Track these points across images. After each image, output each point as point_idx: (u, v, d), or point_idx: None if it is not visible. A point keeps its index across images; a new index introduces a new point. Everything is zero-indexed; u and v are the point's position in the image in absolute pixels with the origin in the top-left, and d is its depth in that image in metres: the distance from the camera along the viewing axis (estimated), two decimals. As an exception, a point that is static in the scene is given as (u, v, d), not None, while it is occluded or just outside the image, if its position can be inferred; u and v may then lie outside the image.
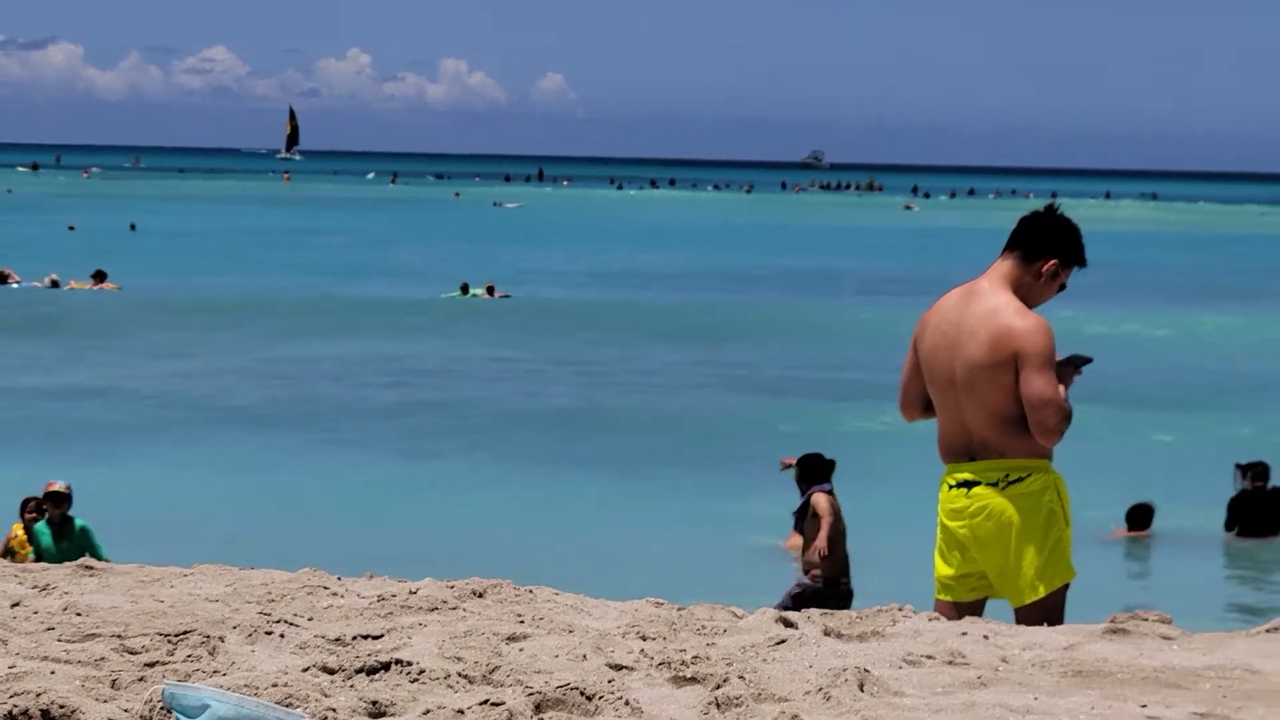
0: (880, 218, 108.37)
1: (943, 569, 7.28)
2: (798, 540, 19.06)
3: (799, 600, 14.33)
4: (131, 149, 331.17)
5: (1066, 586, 7.17)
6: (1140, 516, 19.75)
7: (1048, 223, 7.28)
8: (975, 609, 7.21)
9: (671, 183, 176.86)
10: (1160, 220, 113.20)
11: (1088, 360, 7.26)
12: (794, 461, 14.77)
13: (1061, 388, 7.07)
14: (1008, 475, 7.07)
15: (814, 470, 14.60)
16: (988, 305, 7.11)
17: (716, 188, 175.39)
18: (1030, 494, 7.07)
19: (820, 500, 14.44)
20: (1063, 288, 7.31)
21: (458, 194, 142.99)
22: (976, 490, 7.11)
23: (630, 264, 61.44)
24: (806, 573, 14.60)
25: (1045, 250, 7.22)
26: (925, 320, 7.32)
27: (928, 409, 7.36)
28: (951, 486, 7.19)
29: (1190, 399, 29.96)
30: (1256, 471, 19.82)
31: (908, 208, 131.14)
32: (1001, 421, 7.05)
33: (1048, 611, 7.01)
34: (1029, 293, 7.19)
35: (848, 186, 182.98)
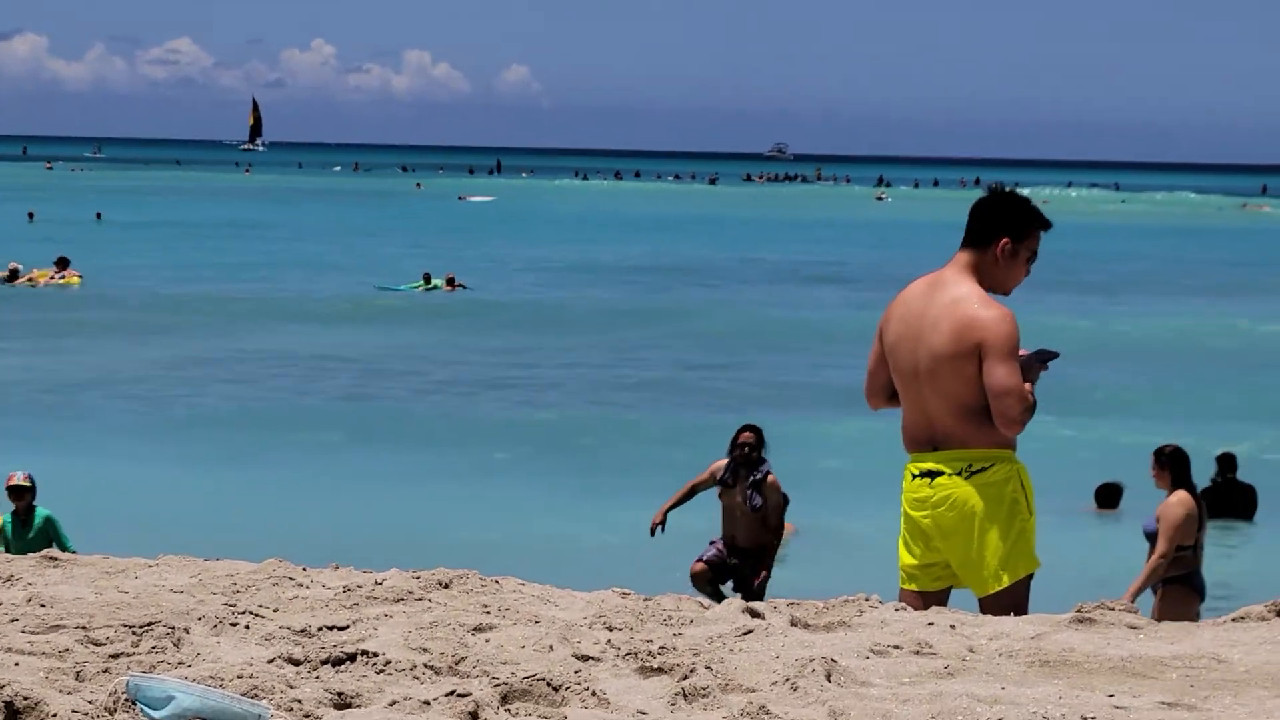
0: (851, 209, 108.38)
1: (906, 558, 7.28)
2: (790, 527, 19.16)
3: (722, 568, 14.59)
4: (98, 140, 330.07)
5: (1030, 576, 7.16)
6: (1109, 495, 19.91)
7: (991, 204, 7.28)
8: (940, 598, 7.21)
9: (636, 175, 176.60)
10: (1126, 212, 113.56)
11: (1054, 355, 7.26)
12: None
13: (1027, 384, 7.07)
14: (970, 465, 7.05)
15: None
16: (951, 295, 7.11)
17: (678, 178, 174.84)
18: (993, 484, 7.06)
19: (777, 483, 14.76)
20: (1032, 259, 7.28)
21: (419, 185, 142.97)
22: (940, 480, 7.10)
23: (593, 257, 61.40)
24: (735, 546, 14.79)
25: (996, 231, 7.20)
26: (890, 311, 7.32)
27: (892, 398, 7.36)
28: (915, 476, 7.18)
29: (1157, 386, 30.08)
30: (1225, 462, 19.96)
31: (879, 199, 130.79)
32: (965, 412, 7.03)
33: (1013, 601, 7.00)
34: (996, 277, 7.19)
35: (795, 178, 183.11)
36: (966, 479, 7.05)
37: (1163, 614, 9.74)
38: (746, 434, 14.81)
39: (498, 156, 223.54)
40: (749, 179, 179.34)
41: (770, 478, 14.72)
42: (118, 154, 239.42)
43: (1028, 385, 7.06)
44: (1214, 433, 22.99)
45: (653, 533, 14.87)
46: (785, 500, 14.77)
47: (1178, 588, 12.03)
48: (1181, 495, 12.27)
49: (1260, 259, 65.29)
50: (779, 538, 14.93)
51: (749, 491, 14.71)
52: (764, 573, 14.77)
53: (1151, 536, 12.47)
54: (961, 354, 7.00)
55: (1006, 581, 7.06)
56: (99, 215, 76.19)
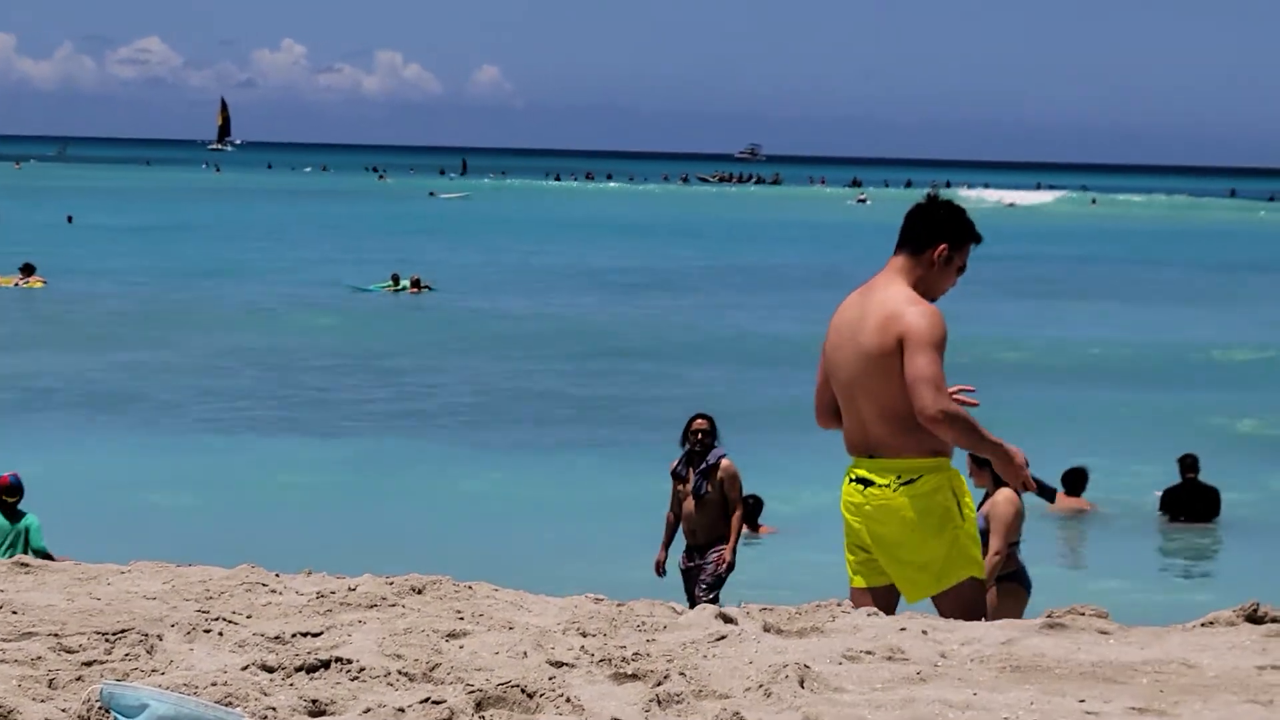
0: (828, 211, 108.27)
1: (849, 556, 7.32)
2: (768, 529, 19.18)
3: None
4: (65, 139, 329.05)
5: (977, 581, 7.16)
6: (1075, 480, 19.98)
7: (931, 211, 7.30)
8: (889, 594, 7.23)
9: (609, 177, 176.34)
10: (1094, 214, 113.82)
11: (1050, 495, 7.32)
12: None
13: (1016, 462, 7.10)
14: (900, 476, 7.05)
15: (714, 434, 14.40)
16: (880, 297, 7.12)
17: (631, 179, 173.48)
18: (923, 494, 7.05)
19: (732, 468, 14.32)
20: (962, 270, 7.32)
21: (381, 176, 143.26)
22: (871, 490, 7.11)
23: (568, 259, 61.38)
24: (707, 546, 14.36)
25: (933, 238, 7.23)
26: (830, 323, 7.35)
27: (837, 416, 7.36)
28: (850, 480, 7.21)
29: (1135, 383, 30.16)
30: (1186, 463, 20.05)
31: (860, 200, 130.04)
32: (895, 417, 7.02)
33: (959, 606, 7.02)
34: (928, 284, 7.21)
35: (751, 179, 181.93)
36: (896, 490, 7.05)
37: (996, 613, 9.76)
38: (699, 420, 14.32)
39: (463, 156, 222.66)
40: (702, 180, 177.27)
41: (724, 462, 14.17)
42: (86, 153, 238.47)
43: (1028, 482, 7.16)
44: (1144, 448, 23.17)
45: (660, 573, 14.46)
46: (753, 500, 14.51)
47: (1008, 584, 12.25)
48: (1007, 493, 12.47)
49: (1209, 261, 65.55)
50: (740, 525, 14.38)
51: (697, 479, 14.18)
52: (722, 555, 14.12)
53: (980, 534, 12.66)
54: (886, 351, 6.99)
55: (937, 589, 7.09)
56: (70, 218, 75.85)
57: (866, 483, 7.12)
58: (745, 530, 18.58)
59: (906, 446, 7.03)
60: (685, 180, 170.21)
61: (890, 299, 7.07)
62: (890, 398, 7.01)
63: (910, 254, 7.22)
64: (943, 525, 7.06)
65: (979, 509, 12.69)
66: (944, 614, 6.93)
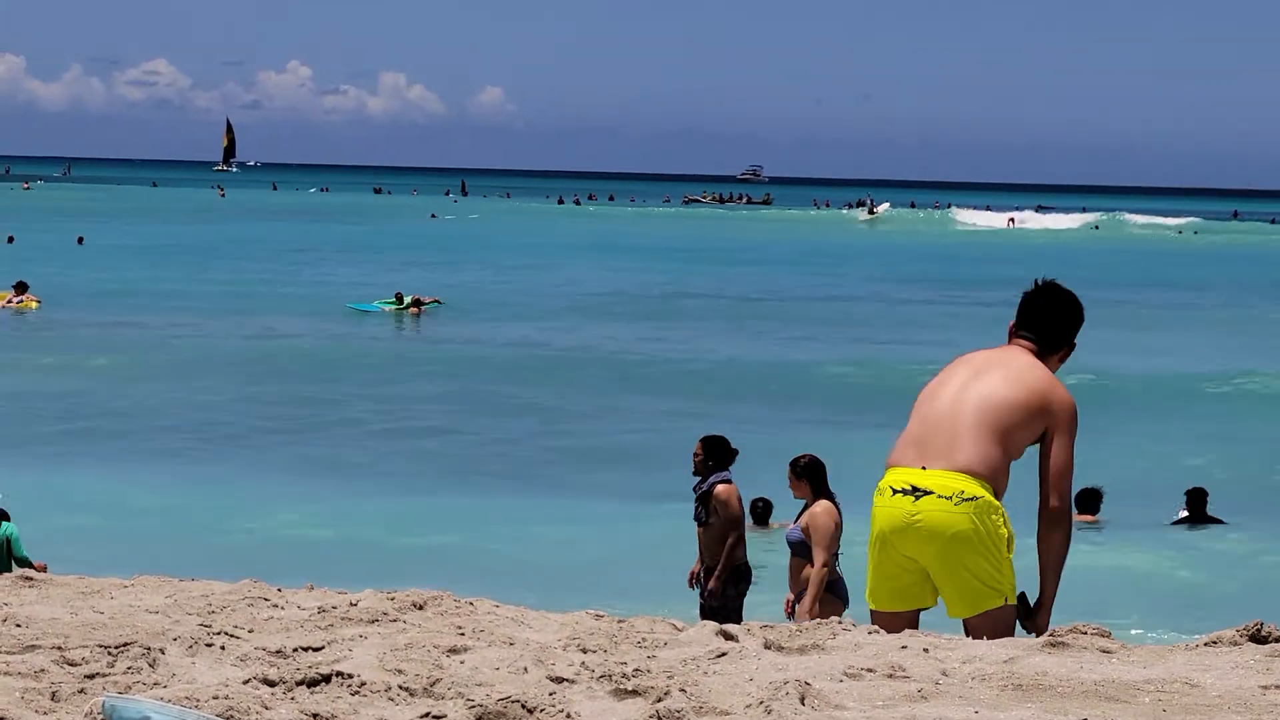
0: (838, 232, 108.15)
1: (883, 582, 7.25)
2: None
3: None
4: (73, 160, 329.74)
5: (1014, 609, 7.15)
6: (1089, 501, 19.96)
7: (1070, 310, 7.42)
8: (911, 620, 7.20)
9: (610, 198, 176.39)
10: (1095, 238, 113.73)
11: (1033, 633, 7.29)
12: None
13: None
14: (963, 493, 7.05)
15: (720, 453, 13.64)
16: (1027, 362, 7.27)
17: (632, 201, 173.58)
18: (983, 512, 7.04)
19: (727, 493, 13.56)
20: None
21: (378, 190, 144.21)
22: (927, 500, 7.06)
23: (570, 281, 61.41)
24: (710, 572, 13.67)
25: (1067, 338, 7.42)
26: (944, 369, 7.46)
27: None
28: (894, 493, 7.13)
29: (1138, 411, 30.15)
30: (1191, 498, 20.04)
31: (872, 214, 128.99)
32: (989, 453, 7.07)
33: (1003, 626, 7.01)
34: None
35: (741, 199, 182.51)
36: (957, 504, 7.03)
37: None
38: (697, 445, 13.78)
39: (462, 178, 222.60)
40: (691, 200, 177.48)
41: (719, 489, 13.49)
42: (94, 174, 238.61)
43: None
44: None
45: (691, 586, 13.99)
46: (741, 514, 13.98)
47: (826, 596, 12.34)
48: (826, 505, 12.53)
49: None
50: (732, 553, 13.56)
51: (697, 504, 13.72)
52: (712, 584, 13.48)
53: (796, 545, 12.69)
54: (1025, 406, 7.12)
55: (997, 602, 7.06)
56: (80, 239, 75.75)
57: (921, 492, 7.08)
58: (757, 527, 18.80)
59: (981, 475, 7.06)
60: (689, 201, 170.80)
61: (1043, 374, 7.23)
62: (999, 433, 7.10)
63: (1042, 346, 7.37)
64: (998, 547, 7.05)
65: (796, 521, 12.79)
66: (977, 634, 6.90)
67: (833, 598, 12.47)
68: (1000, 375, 7.23)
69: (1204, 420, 29.65)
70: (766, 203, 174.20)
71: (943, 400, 7.26)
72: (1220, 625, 6.43)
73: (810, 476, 12.88)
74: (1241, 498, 21.90)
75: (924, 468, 7.10)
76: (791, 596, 12.94)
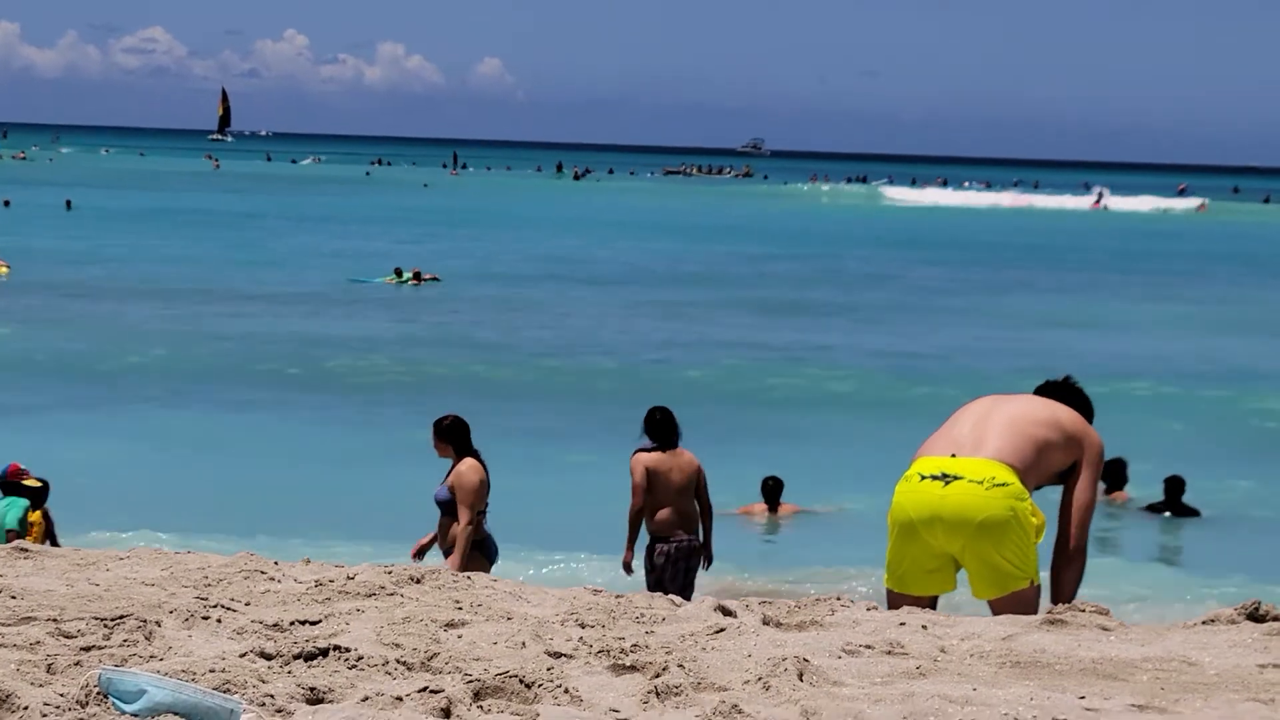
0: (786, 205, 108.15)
1: (907, 565, 7.23)
2: (756, 507, 19.32)
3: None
4: (59, 127, 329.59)
5: (1039, 589, 7.19)
6: (1114, 473, 19.91)
7: (1084, 401, 7.69)
8: (931, 605, 7.20)
9: (610, 171, 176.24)
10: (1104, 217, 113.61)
11: None
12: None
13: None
14: (994, 478, 7.08)
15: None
16: (1063, 404, 7.52)
17: (632, 173, 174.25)
18: (1012, 495, 7.06)
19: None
20: None
21: (369, 172, 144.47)
22: (958, 484, 7.08)
23: (570, 252, 61.39)
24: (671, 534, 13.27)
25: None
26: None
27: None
28: (922, 479, 7.14)
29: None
30: (1171, 486, 19.98)
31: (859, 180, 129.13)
32: (1025, 450, 7.19)
33: (1025, 607, 7.02)
34: None
35: (722, 170, 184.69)
36: (988, 489, 7.06)
37: None
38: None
39: (454, 149, 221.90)
40: (670, 172, 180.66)
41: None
42: (86, 141, 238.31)
43: None
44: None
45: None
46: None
47: (474, 554, 12.34)
48: (471, 463, 12.49)
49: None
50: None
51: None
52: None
53: (444, 505, 12.67)
54: (1059, 427, 7.31)
55: (1023, 585, 7.07)
56: (69, 203, 75.95)
57: (951, 478, 7.09)
58: (766, 511, 19.16)
59: (1013, 467, 7.14)
60: (669, 173, 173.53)
61: (1078, 416, 7.46)
62: (1027, 441, 7.22)
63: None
64: (1027, 533, 7.07)
65: (444, 481, 12.71)
66: (1004, 614, 6.91)
67: (480, 555, 12.45)
68: (1031, 400, 7.48)
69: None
70: (747, 174, 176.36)
71: (974, 409, 7.44)
72: (1218, 604, 6.42)
73: (453, 437, 12.85)
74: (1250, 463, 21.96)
75: (954, 455, 7.15)
76: (416, 548, 12.88)
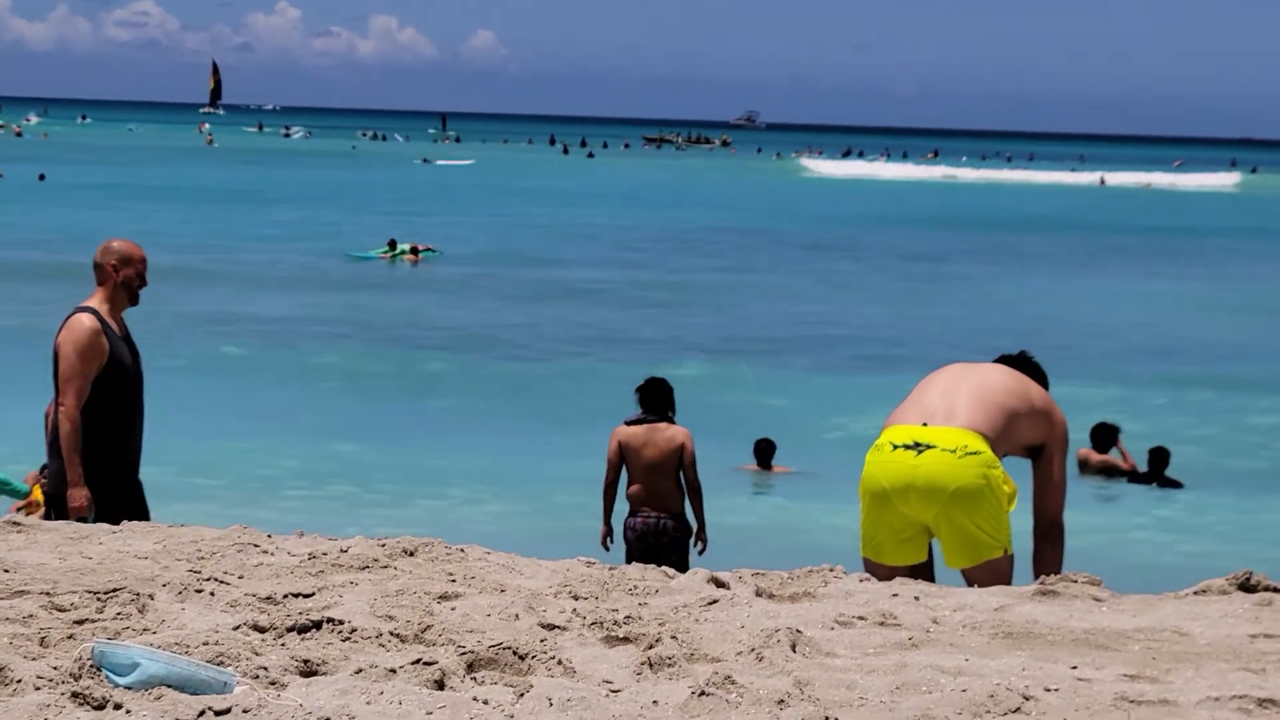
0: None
1: (882, 536, 7.26)
2: (748, 468, 19.44)
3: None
4: (46, 101, 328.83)
5: (1012, 558, 7.20)
6: (1102, 436, 19.92)
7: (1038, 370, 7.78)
8: (918, 572, 7.23)
9: (604, 145, 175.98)
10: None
11: None
12: None
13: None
14: (966, 447, 7.09)
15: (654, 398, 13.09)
16: (1030, 379, 7.56)
17: (626, 147, 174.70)
18: (984, 463, 7.09)
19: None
20: None
21: (355, 146, 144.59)
22: (931, 453, 7.10)
23: (566, 225, 61.34)
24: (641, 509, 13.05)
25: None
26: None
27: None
28: (894, 448, 7.16)
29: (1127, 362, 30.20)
30: (1156, 457, 19.98)
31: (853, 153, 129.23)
32: (995, 418, 7.23)
33: (998, 576, 7.05)
34: None
35: (705, 141, 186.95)
36: (961, 457, 7.08)
37: None
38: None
39: (443, 114, 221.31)
40: (650, 141, 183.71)
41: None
42: (74, 115, 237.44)
43: None
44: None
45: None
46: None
47: None
48: None
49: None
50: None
51: None
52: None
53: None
54: (1027, 399, 7.34)
55: (997, 553, 7.10)
56: (42, 176, 75.77)
57: (924, 446, 7.11)
58: (759, 469, 19.41)
59: (984, 435, 7.18)
60: (649, 141, 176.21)
61: (1046, 394, 7.53)
62: (996, 410, 7.25)
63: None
64: (999, 501, 7.11)
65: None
66: (978, 583, 6.94)
67: None
68: (1000, 370, 7.49)
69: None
70: (725, 144, 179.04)
71: (942, 378, 7.46)
72: (1210, 574, 6.44)
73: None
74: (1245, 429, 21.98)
75: (925, 424, 7.15)
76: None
